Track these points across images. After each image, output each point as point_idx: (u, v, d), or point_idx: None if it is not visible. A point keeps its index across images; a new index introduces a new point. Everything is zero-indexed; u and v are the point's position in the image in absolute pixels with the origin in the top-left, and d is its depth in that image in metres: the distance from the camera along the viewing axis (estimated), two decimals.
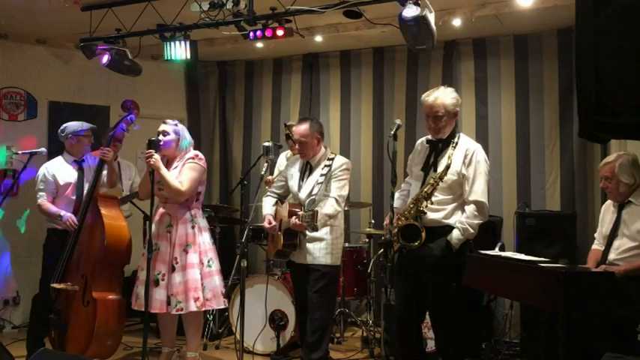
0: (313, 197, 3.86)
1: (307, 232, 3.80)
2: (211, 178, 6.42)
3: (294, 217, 3.66)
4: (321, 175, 3.89)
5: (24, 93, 5.77)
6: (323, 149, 4.01)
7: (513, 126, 5.33)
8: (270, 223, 3.92)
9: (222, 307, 4.19)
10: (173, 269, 3.89)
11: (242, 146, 6.59)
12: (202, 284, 3.92)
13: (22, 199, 5.27)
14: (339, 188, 3.86)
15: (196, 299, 3.87)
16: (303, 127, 3.93)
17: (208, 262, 3.99)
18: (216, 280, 4.01)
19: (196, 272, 3.90)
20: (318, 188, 3.86)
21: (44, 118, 5.81)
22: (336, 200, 3.82)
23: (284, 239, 3.86)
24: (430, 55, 5.56)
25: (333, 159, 3.95)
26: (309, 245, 3.86)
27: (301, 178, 4.01)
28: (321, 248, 3.85)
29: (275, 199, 4.13)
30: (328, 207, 3.77)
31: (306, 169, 4.01)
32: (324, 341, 3.90)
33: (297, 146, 4.00)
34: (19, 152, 4.65)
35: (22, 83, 5.75)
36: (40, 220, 4.51)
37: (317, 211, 3.55)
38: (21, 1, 4.57)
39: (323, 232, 3.83)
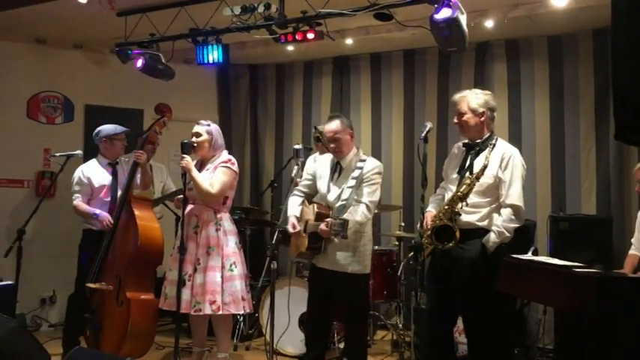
0: (343, 202, 3.64)
1: (334, 238, 3.61)
2: (242, 181, 6.46)
3: (323, 223, 3.53)
4: (352, 178, 3.68)
5: (61, 97, 5.91)
6: (355, 149, 3.82)
7: (548, 129, 5.25)
8: (294, 227, 3.74)
9: (242, 312, 4.12)
10: (195, 270, 3.92)
11: (273, 149, 6.63)
12: (222, 288, 3.91)
13: (59, 201, 5.40)
14: (371, 193, 3.67)
15: (212, 302, 3.86)
16: (335, 124, 3.75)
17: (230, 266, 3.97)
18: (237, 285, 3.96)
19: (217, 275, 3.90)
20: (349, 193, 3.65)
21: (80, 121, 5.95)
22: (367, 206, 3.63)
23: (309, 242, 3.70)
24: (462, 57, 5.51)
25: (365, 161, 3.75)
26: (334, 252, 3.66)
27: (330, 179, 3.82)
28: (347, 256, 3.66)
29: (301, 199, 3.92)
30: (359, 214, 3.59)
31: (336, 170, 3.81)
32: (362, 352, 3.80)
33: (331, 145, 3.77)
34: (56, 154, 4.76)
35: (60, 87, 5.89)
36: (76, 221, 4.61)
37: (348, 221, 3.39)
38: (59, 8, 4.69)
39: (351, 238, 3.58)
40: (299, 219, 3.83)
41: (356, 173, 3.70)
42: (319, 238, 3.66)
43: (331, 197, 3.76)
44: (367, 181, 3.68)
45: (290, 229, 3.75)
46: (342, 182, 3.74)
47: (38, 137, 5.76)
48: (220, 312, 3.90)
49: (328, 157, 3.92)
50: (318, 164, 3.97)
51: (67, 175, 4.58)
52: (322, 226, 3.53)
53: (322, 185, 3.85)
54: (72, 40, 5.87)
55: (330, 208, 3.74)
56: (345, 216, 3.52)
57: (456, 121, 3.59)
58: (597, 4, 4.27)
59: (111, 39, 5.20)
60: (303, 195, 3.95)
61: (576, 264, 3.01)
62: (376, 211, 5.10)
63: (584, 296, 2.64)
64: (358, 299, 3.76)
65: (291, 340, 4.53)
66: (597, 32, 4.99)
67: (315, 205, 3.79)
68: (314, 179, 3.93)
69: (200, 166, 4.07)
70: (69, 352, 2.74)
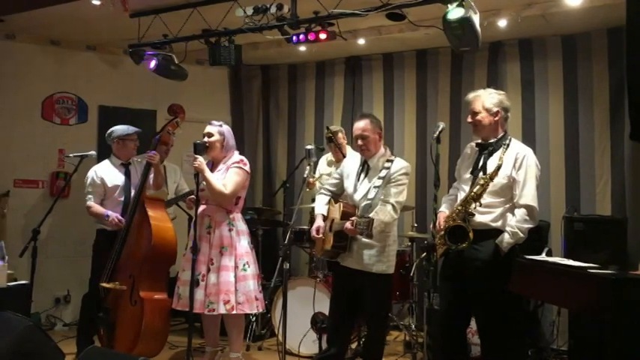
0: (369, 202, 3.64)
1: (360, 237, 3.63)
2: (254, 181, 6.49)
3: (348, 221, 3.54)
4: (379, 178, 3.68)
5: (75, 97, 5.96)
6: (383, 149, 3.82)
7: (562, 129, 5.22)
8: (317, 231, 3.79)
9: (255, 312, 4.14)
10: (209, 270, 3.93)
11: (286, 149, 6.64)
12: (236, 288, 3.93)
13: (73, 201, 5.44)
14: (397, 194, 3.66)
15: (226, 302, 3.87)
16: (364, 122, 3.76)
17: (244, 266, 3.98)
18: (251, 285, 3.98)
19: (230, 275, 3.92)
20: (375, 192, 3.65)
21: (94, 122, 6.00)
22: (394, 206, 3.62)
23: (334, 240, 3.71)
24: (475, 56, 5.49)
25: (392, 161, 3.75)
26: (360, 251, 3.68)
27: (357, 179, 3.82)
28: (372, 255, 3.66)
29: (328, 198, 3.96)
30: (385, 213, 3.58)
31: (364, 169, 3.81)
32: (379, 351, 3.80)
33: (358, 142, 3.77)
34: (70, 155, 4.81)
35: (74, 88, 5.94)
36: (90, 221, 4.65)
37: (373, 220, 3.38)
38: (73, 9, 4.73)
39: (376, 238, 3.61)
40: (326, 218, 3.85)
41: (383, 173, 3.70)
42: (344, 236, 3.68)
43: (357, 196, 3.76)
44: (394, 182, 3.69)
45: (314, 233, 3.81)
46: (369, 182, 3.75)
47: (52, 138, 5.82)
48: (234, 312, 3.91)
49: (357, 157, 3.92)
50: (347, 163, 3.98)
51: (81, 176, 4.62)
52: (347, 224, 3.54)
53: (349, 184, 3.87)
54: (86, 42, 5.92)
55: (356, 207, 3.75)
56: (371, 215, 3.51)
57: (469, 120, 3.56)
58: (612, 2, 4.24)
59: (124, 40, 5.23)
60: (330, 194, 3.98)
61: (591, 265, 2.98)
62: None
63: (600, 297, 2.62)
64: (381, 299, 3.77)
65: (304, 340, 4.53)
66: (612, 31, 4.94)
67: (342, 204, 3.80)
68: (341, 178, 3.95)
69: (212, 167, 4.08)
70: (83, 351, 2.76)
